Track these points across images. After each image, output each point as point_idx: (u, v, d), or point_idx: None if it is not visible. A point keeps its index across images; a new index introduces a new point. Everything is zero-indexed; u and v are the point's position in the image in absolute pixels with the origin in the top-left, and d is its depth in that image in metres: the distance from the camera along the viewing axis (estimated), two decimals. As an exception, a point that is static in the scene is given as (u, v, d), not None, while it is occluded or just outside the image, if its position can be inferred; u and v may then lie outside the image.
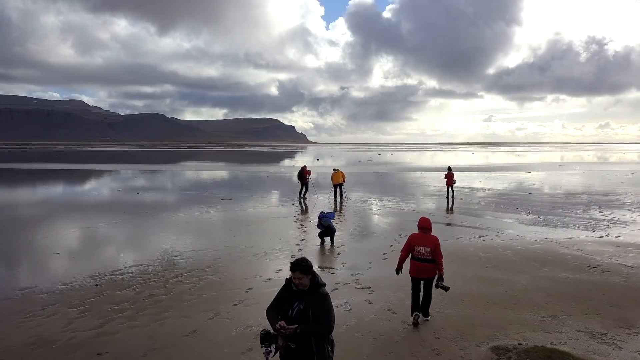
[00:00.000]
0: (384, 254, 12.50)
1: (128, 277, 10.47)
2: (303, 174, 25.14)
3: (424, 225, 8.36)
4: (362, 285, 9.80)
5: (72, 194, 28.86)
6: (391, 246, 13.38)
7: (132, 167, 57.69)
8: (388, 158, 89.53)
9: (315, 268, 11.32)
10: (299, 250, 12.93)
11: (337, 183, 24.56)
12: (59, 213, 20.52)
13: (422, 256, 8.00)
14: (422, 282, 8.18)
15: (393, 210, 20.57)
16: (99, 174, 45.92)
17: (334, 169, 25.22)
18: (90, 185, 35.18)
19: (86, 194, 27.80)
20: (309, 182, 25.68)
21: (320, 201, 23.74)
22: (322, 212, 13.99)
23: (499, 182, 35.23)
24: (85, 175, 43.48)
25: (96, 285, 9.90)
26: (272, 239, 14.42)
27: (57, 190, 31.50)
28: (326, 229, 13.55)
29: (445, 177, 25.57)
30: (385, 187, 31.90)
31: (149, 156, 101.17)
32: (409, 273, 8.25)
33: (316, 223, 14.05)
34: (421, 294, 8.11)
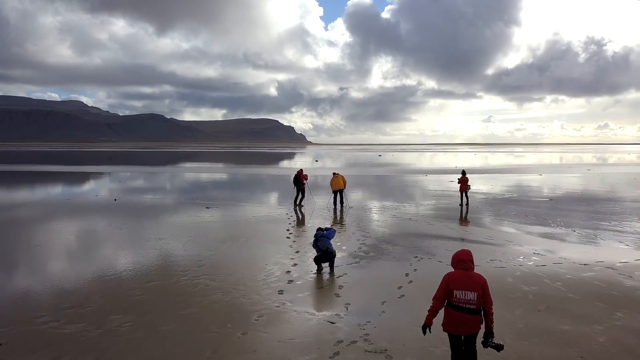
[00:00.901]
0: (399, 287, 9.64)
1: (49, 329, 7.62)
2: (299, 178, 22.30)
3: (466, 258, 5.72)
4: (375, 345, 6.92)
5: (43, 199, 25.94)
6: (407, 275, 10.53)
7: (126, 169, 54.85)
8: (389, 159, 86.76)
9: (310, 311, 8.60)
10: (289, 281, 10.07)
11: (337, 189, 21.74)
12: (14, 225, 17.62)
13: (465, 304, 5.44)
14: (462, 339, 5.60)
15: (401, 221, 17.72)
16: (85, 176, 43.02)
17: (334, 173, 22.38)
18: (69, 189, 32.32)
19: (58, 201, 24.91)
20: (306, 188, 22.86)
21: (318, 210, 20.91)
22: (319, 230, 11.13)
23: (513, 186, 32.39)
24: (69, 178, 40.62)
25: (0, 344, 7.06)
26: (256, 264, 11.56)
27: (27, 195, 28.60)
28: (324, 253, 10.70)
29: (458, 182, 22.76)
30: (389, 192, 29.07)
31: (146, 157, 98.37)
32: (444, 328, 5.65)
33: (312, 241, 11.28)
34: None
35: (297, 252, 12.74)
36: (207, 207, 21.45)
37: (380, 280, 10.20)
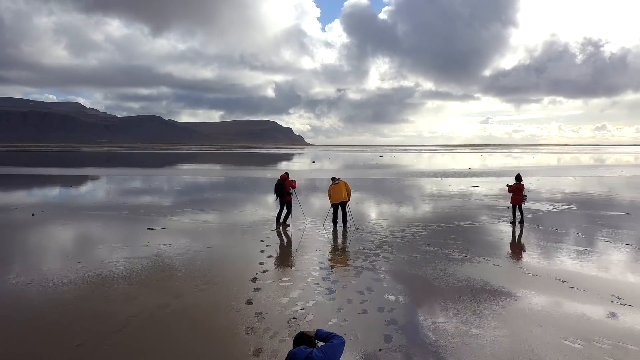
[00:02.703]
0: None
1: None
2: (283, 186, 15.51)
3: None
4: None
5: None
6: None
7: (101, 171, 48.08)
8: (391, 160, 79.98)
9: None
10: None
11: (338, 201, 15.04)
12: None
13: None
14: None
15: (443, 258, 11.04)
16: (39, 180, 36.27)
17: (333, 179, 15.65)
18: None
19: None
20: (294, 199, 16.12)
21: (311, 231, 14.24)
22: (299, 343, 4.27)
23: (555, 193, 25.71)
24: (17, 183, 33.83)
25: None
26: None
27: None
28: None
29: (509, 191, 16.10)
30: (406, 201, 22.37)
31: (134, 159, 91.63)
32: None
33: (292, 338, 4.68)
34: None
35: (257, 352, 6.02)
36: (150, 228, 14.77)
37: None
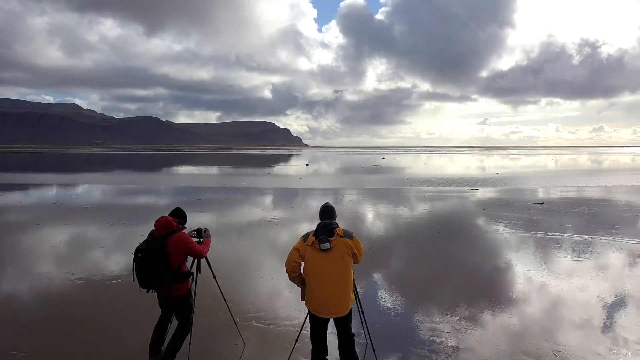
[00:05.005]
0: None
1: None
2: (164, 257, 4.80)
3: None
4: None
5: None
6: None
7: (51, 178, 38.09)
8: (395, 163, 69.96)
9: None
10: None
11: (326, 316, 4.82)
12: None
13: None
14: None
15: None
16: None
17: (319, 229, 4.83)
18: None
19: None
20: (197, 287, 5.61)
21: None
22: None
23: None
24: None
25: None
26: None
27: None
28: None
29: None
30: (466, 252, 12.48)
31: (112, 161, 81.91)
32: None
33: None
34: None
35: None
36: None
37: None
